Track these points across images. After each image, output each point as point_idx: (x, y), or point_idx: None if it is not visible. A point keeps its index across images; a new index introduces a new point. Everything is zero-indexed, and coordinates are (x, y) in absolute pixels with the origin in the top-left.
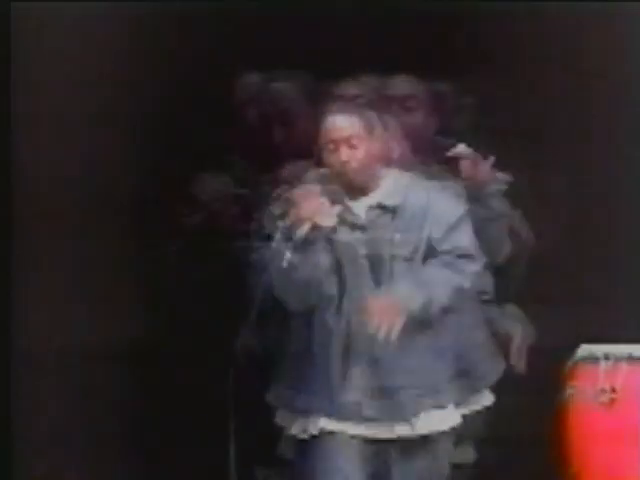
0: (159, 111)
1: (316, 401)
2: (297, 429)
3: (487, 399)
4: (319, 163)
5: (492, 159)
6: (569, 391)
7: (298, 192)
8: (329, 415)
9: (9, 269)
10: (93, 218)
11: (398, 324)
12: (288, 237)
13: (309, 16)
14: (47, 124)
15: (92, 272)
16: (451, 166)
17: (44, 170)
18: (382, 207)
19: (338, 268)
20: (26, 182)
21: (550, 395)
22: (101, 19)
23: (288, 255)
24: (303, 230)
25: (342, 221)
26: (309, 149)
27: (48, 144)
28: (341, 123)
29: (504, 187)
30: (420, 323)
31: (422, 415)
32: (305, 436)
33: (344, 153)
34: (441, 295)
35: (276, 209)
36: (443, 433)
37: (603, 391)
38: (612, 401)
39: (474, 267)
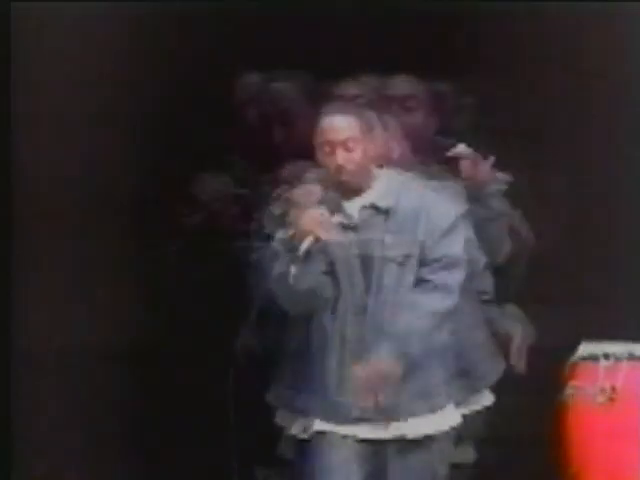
0: (159, 111)
1: (312, 402)
2: (297, 429)
3: (487, 399)
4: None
5: (492, 159)
6: (569, 390)
7: (298, 193)
8: (324, 416)
9: (9, 269)
10: (93, 218)
11: (383, 394)
12: (289, 250)
13: (309, 16)
14: (47, 124)
15: (92, 272)
16: (451, 166)
17: (44, 170)
18: (375, 208)
19: (332, 269)
20: (26, 182)
21: (550, 395)
22: (101, 19)
23: (294, 271)
24: (305, 244)
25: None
26: (309, 149)
27: (48, 144)
28: (338, 124)
29: (504, 187)
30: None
31: (416, 417)
32: (305, 436)
33: (340, 156)
34: (423, 340)
35: (276, 209)
36: (439, 434)
37: (603, 390)
38: (612, 400)
39: (460, 276)
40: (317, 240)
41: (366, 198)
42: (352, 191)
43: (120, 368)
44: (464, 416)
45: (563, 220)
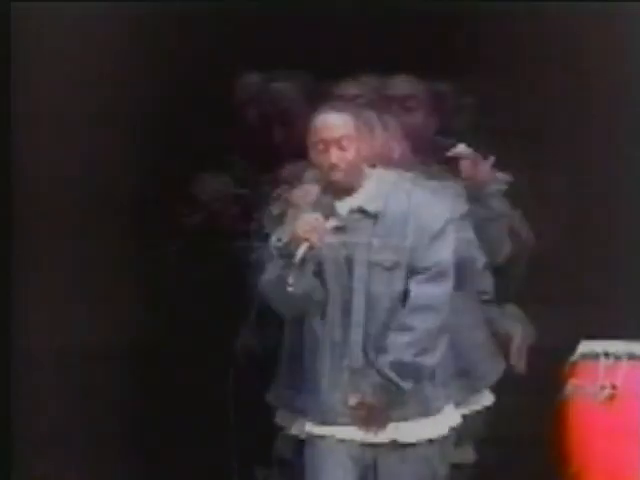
0: (159, 111)
1: (306, 403)
2: (297, 429)
3: (487, 399)
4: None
5: (492, 159)
6: (569, 389)
7: (297, 193)
8: (318, 418)
9: (9, 269)
10: (93, 218)
11: (381, 425)
12: (284, 255)
13: (309, 16)
14: (47, 124)
15: (92, 272)
16: (451, 166)
17: (44, 170)
18: (363, 212)
19: (320, 270)
20: (26, 182)
21: (550, 395)
22: (101, 19)
23: (291, 280)
24: (301, 251)
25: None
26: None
27: (48, 144)
28: (333, 122)
29: (504, 187)
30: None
31: (408, 422)
32: (304, 436)
33: (334, 155)
34: (406, 371)
35: (276, 209)
36: (434, 436)
37: (603, 388)
38: (612, 398)
39: (448, 287)
40: (312, 247)
41: (355, 200)
42: (343, 190)
43: (120, 368)
44: (464, 416)
45: (563, 220)
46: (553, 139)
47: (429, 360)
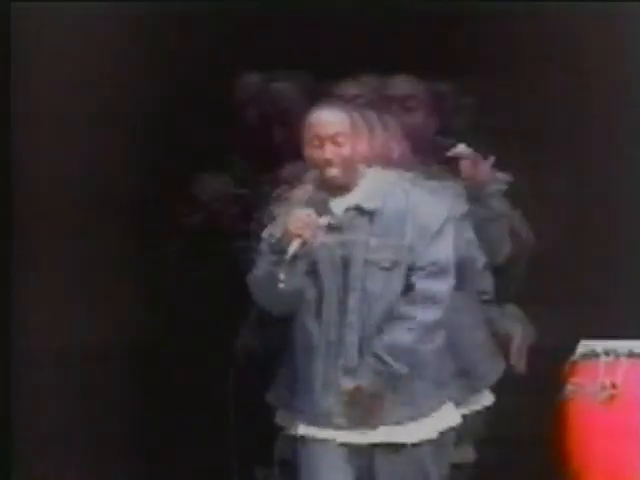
0: (159, 111)
1: (300, 404)
2: (295, 429)
3: (487, 399)
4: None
5: (492, 159)
6: (569, 388)
7: (297, 193)
8: (312, 419)
9: (9, 269)
10: (93, 218)
11: (375, 410)
12: (276, 251)
13: (309, 16)
14: (47, 124)
15: (92, 272)
16: (451, 166)
17: (44, 170)
18: (360, 210)
19: (314, 269)
20: (26, 182)
21: (550, 395)
22: (101, 19)
23: (282, 276)
24: (293, 247)
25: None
26: None
27: (48, 144)
28: (328, 119)
29: (504, 187)
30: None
31: (401, 425)
32: (299, 438)
33: (329, 151)
34: (405, 354)
35: (276, 209)
36: (428, 437)
37: (603, 387)
38: (612, 397)
39: (448, 284)
40: (304, 243)
41: (352, 198)
42: (338, 188)
43: (120, 368)
44: (464, 416)
45: (563, 220)
46: (553, 139)
47: (425, 347)
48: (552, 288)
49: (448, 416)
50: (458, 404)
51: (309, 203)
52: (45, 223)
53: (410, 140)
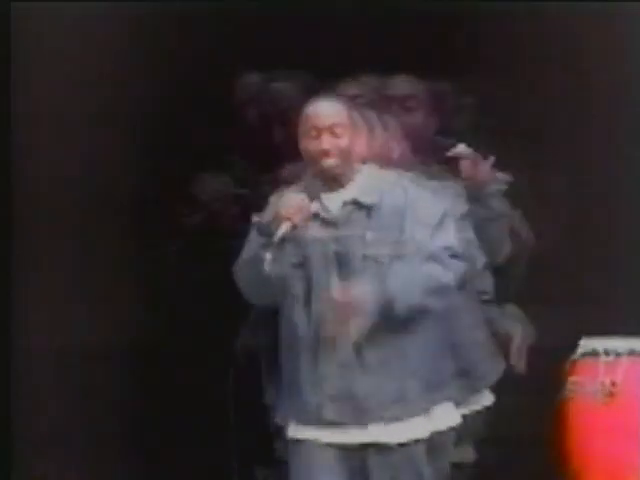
0: (159, 111)
1: (289, 401)
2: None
3: (487, 399)
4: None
5: (492, 159)
6: (569, 387)
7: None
8: (300, 418)
9: (9, 269)
10: (93, 218)
11: (356, 326)
12: (263, 234)
13: (309, 16)
14: (47, 124)
15: (92, 272)
16: (451, 166)
17: (44, 170)
18: (357, 204)
19: (306, 265)
20: (26, 182)
21: (550, 395)
22: (101, 19)
23: (269, 257)
24: (282, 230)
25: (314, 215)
26: None
27: (48, 144)
28: (326, 109)
29: (504, 187)
30: (388, 324)
31: (390, 423)
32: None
33: (326, 141)
34: (410, 294)
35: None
36: (416, 440)
37: (603, 385)
38: (612, 396)
39: (462, 267)
40: (294, 227)
41: (348, 193)
42: (334, 181)
43: (120, 368)
44: (464, 416)
45: (563, 220)
46: (553, 139)
47: (433, 304)
48: (552, 288)
49: (447, 416)
50: (458, 404)
51: (303, 191)
52: (45, 223)
53: (410, 140)
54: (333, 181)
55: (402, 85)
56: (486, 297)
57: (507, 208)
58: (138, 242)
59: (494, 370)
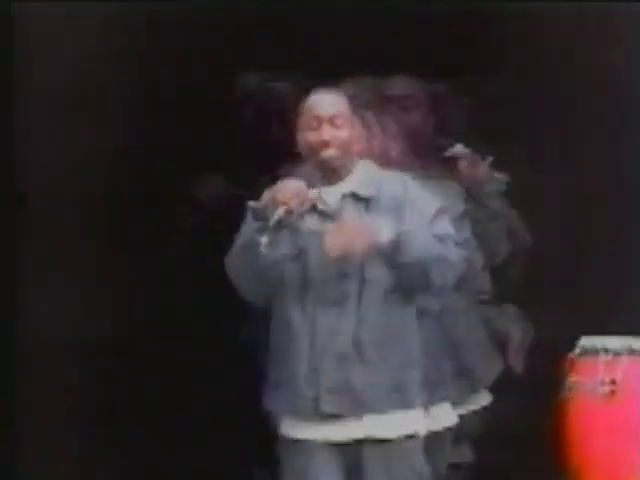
0: (159, 111)
1: (284, 396)
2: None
3: (485, 399)
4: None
5: (490, 159)
6: (569, 385)
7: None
8: (295, 415)
9: (10, 269)
10: (93, 218)
11: (362, 245)
12: (260, 218)
13: (309, 16)
14: (47, 124)
15: (92, 272)
16: (449, 166)
17: (45, 170)
18: (355, 197)
19: (302, 257)
20: (27, 182)
21: (550, 394)
22: (101, 19)
23: (265, 240)
24: (278, 214)
25: (312, 208)
26: None
27: (48, 144)
28: (327, 100)
29: (503, 187)
30: (391, 273)
31: (387, 415)
32: (283, 436)
33: (326, 132)
34: (420, 246)
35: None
36: (413, 435)
37: (603, 383)
38: (612, 394)
39: (463, 254)
40: (290, 211)
41: (347, 186)
42: (333, 174)
43: (120, 368)
44: (462, 416)
45: (563, 220)
46: (553, 139)
47: (439, 280)
48: (552, 288)
49: (444, 416)
50: (456, 404)
51: (300, 175)
52: (45, 223)
53: (409, 140)
54: (332, 173)
55: (400, 85)
56: (484, 297)
57: (505, 208)
58: (138, 242)
59: (492, 370)
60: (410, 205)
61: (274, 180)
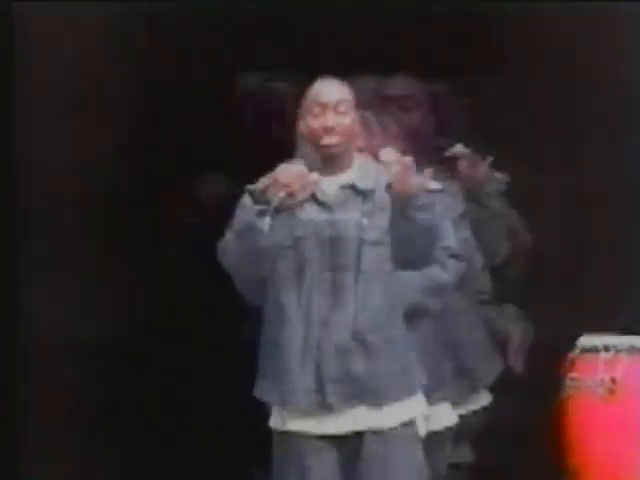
0: (159, 111)
1: (275, 391)
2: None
3: (485, 399)
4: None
5: (490, 159)
6: (569, 384)
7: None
8: (289, 408)
9: (10, 269)
10: (93, 218)
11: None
12: (259, 202)
13: (309, 16)
14: (47, 124)
15: (92, 272)
16: (449, 166)
17: (45, 170)
18: (354, 188)
19: (298, 246)
20: (26, 182)
21: (550, 394)
22: (101, 20)
23: (268, 220)
24: (279, 197)
25: (311, 197)
26: None
27: (48, 144)
28: (331, 87)
29: (503, 187)
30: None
31: (386, 405)
32: (280, 430)
33: (330, 118)
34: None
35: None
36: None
37: (603, 382)
38: (612, 392)
39: (460, 267)
40: (292, 195)
41: (345, 178)
42: (333, 163)
43: (120, 368)
44: (461, 416)
45: (563, 220)
46: (553, 139)
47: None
48: (552, 288)
49: (444, 416)
50: (456, 404)
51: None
52: (45, 223)
53: (409, 140)
54: (332, 164)
55: (400, 85)
56: (484, 297)
57: (505, 208)
58: (138, 242)
59: (492, 370)
60: None
61: None
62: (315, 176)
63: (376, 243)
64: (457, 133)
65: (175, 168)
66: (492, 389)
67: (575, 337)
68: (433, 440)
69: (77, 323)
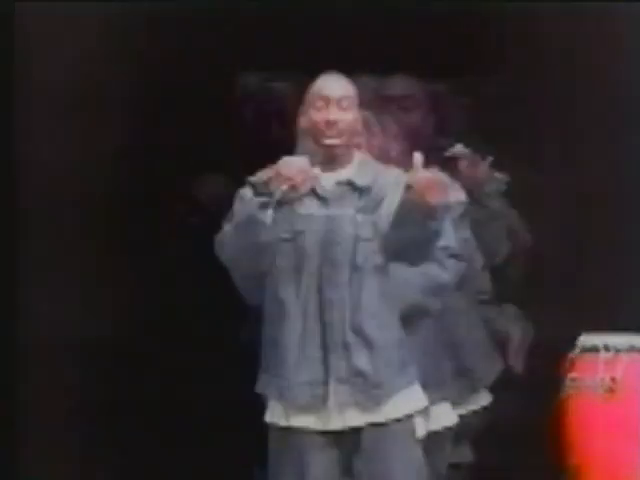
0: (159, 111)
1: (273, 386)
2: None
3: (485, 399)
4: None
5: (490, 159)
6: (569, 383)
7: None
8: (287, 403)
9: (10, 269)
10: (93, 218)
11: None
12: (261, 194)
13: (309, 16)
14: (48, 124)
15: (92, 272)
16: (450, 166)
17: (45, 170)
18: (351, 185)
19: (297, 239)
20: (26, 182)
21: (550, 394)
22: (102, 20)
23: (270, 213)
24: (282, 189)
25: (311, 191)
26: None
27: (48, 144)
28: (335, 82)
29: (503, 187)
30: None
31: (396, 398)
32: (279, 426)
33: (333, 112)
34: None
35: None
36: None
37: (603, 382)
38: (612, 392)
39: (460, 267)
40: (295, 188)
41: (343, 174)
42: (333, 159)
43: (120, 368)
44: (461, 416)
45: (563, 220)
46: (553, 139)
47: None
48: (552, 288)
49: (444, 416)
50: (456, 404)
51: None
52: (45, 223)
53: (409, 140)
54: (331, 159)
55: (401, 85)
56: (484, 297)
57: (505, 208)
58: (138, 242)
59: (492, 370)
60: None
61: None
62: (317, 170)
63: (371, 239)
64: (457, 133)
65: (175, 168)
66: (492, 389)
67: (575, 337)
68: (433, 440)
69: (77, 323)
